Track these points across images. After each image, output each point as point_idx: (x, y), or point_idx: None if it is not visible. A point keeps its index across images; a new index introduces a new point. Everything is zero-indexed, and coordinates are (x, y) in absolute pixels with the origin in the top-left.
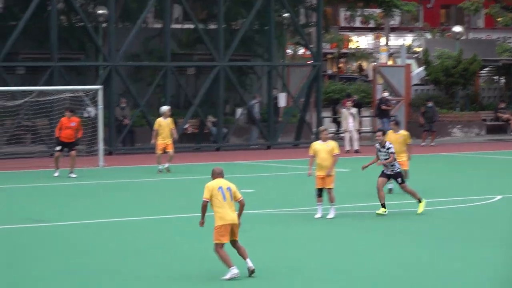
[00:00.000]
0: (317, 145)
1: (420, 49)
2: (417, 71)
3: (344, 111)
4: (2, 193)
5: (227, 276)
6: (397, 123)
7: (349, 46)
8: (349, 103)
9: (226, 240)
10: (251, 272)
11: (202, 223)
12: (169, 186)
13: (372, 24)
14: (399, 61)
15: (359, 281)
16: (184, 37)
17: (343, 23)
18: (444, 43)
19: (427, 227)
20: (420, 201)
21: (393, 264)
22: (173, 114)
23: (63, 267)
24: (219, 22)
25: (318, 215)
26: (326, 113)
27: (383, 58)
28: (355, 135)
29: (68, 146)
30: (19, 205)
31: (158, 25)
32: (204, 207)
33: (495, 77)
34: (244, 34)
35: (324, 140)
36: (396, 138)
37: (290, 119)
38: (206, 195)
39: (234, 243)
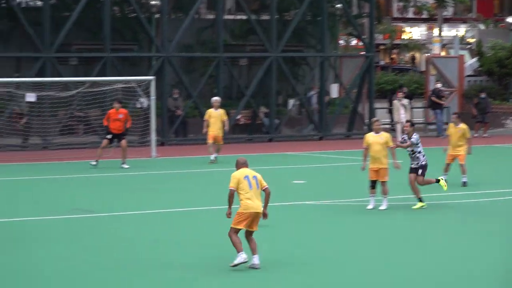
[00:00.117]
0: (371, 137)
1: (473, 40)
2: (470, 62)
3: (395, 102)
4: (54, 183)
5: (236, 262)
6: (459, 116)
7: (402, 37)
8: (400, 94)
9: (242, 227)
10: (255, 268)
11: (229, 214)
12: (220, 176)
13: (425, 15)
14: (452, 52)
15: (410, 271)
16: (237, 28)
17: (396, 14)
18: (498, 34)
19: (478, 219)
20: (420, 201)
21: (444, 255)
22: (225, 105)
23: (112, 258)
24: (272, 12)
25: (370, 206)
26: (379, 104)
27: (436, 49)
28: None
29: (117, 137)
30: (71, 195)
31: (211, 16)
32: (231, 196)
33: None
34: (297, 24)
35: (377, 131)
36: (455, 131)
37: (343, 110)
38: (232, 184)
39: (249, 234)
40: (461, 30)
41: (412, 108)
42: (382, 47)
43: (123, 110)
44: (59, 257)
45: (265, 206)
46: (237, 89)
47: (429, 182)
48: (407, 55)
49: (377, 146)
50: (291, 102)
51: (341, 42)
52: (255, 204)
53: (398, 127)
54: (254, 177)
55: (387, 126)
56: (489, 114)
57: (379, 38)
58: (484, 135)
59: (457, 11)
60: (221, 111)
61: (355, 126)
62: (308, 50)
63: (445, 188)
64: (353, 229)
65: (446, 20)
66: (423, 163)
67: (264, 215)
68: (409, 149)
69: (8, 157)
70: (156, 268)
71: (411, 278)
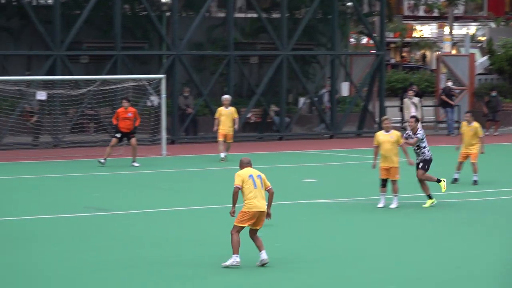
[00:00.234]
0: (381, 136)
1: (484, 38)
2: (481, 60)
3: (406, 100)
4: (65, 181)
5: (228, 263)
6: (472, 115)
7: (412, 35)
8: (411, 93)
9: (245, 225)
10: (263, 264)
11: (233, 213)
12: (230, 175)
13: (435, 13)
14: (463, 51)
15: (420, 269)
16: (247, 26)
17: (406, 12)
18: (509, 32)
19: (489, 218)
20: (429, 198)
21: (454, 253)
22: (236, 103)
23: (121, 256)
24: (282, 11)
25: (380, 205)
26: (390, 102)
27: (446, 47)
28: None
29: (127, 135)
30: (82, 193)
31: (222, 14)
32: (236, 194)
33: None
34: (307, 23)
35: (387, 130)
36: (468, 129)
37: (353, 108)
38: (237, 182)
39: (253, 232)
40: (472, 28)
41: (422, 106)
42: (392, 45)
43: (132, 109)
44: (70, 254)
45: (269, 206)
46: (247, 88)
47: (429, 179)
48: (418, 53)
49: (387, 145)
50: (302, 100)
51: (352, 40)
52: (259, 203)
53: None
54: (259, 176)
55: (398, 124)
56: (499, 112)
57: (389, 36)
58: (495, 133)
59: (468, 9)
60: (231, 109)
61: (365, 125)
62: (319, 49)
63: (443, 190)
64: (363, 227)
65: (457, 18)
66: (427, 157)
67: (268, 214)
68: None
69: (19, 155)
70: (164, 266)
71: (421, 276)
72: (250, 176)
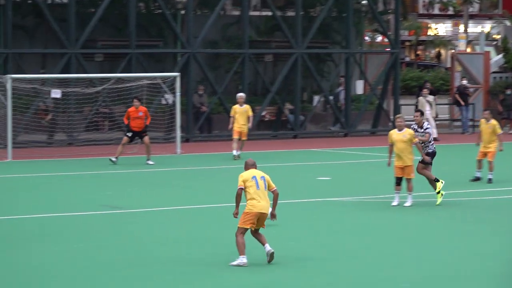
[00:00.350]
0: (394, 134)
1: (499, 36)
2: (496, 58)
3: (421, 99)
4: (80, 180)
5: (235, 263)
6: (490, 113)
7: (427, 33)
8: (425, 91)
9: (249, 226)
10: (271, 255)
11: (236, 214)
12: None
13: (450, 11)
14: (477, 49)
15: (433, 268)
16: (262, 24)
17: (421, 10)
18: None
19: (504, 216)
20: (437, 180)
21: (468, 252)
22: (250, 102)
23: (135, 254)
24: (297, 9)
25: (395, 203)
26: (405, 101)
27: (461, 45)
28: (432, 123)
29: (138, 134)
30: (97, 191)
31: (236, 12)
32: (239, 196)
33: None
34: (322, 21)
35: (400, 128)
36: (486, 127)
37: (368, 106)
38: (240, 184)
39: (255, 231)
40: (486, 27)
41: (437, 104)
42: (407, 43)
43: (143, 108)
44: (84, 253)
45: (273, 207)
46: (262, 86)
47: (428, 175)
48: (433, 52)
49: (401, 144)
50: (316, 98)
51: (367, 38)
52: (262, 204)
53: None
54: (262, 177)
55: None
56: None
57: (404, 34)
58: (510, 131)
59: (483, 7)
60: (246, 107)
61: (380, 123)
62: (334, 47)
63: (437, 190)
64: (378, 225)
65: (472, 16)
66: (430, 151)
67: (273, 215)
68: (421, 135)
69: (33, 153)
70: (177, 264)
71: (434, 274)
72: (253, 177)
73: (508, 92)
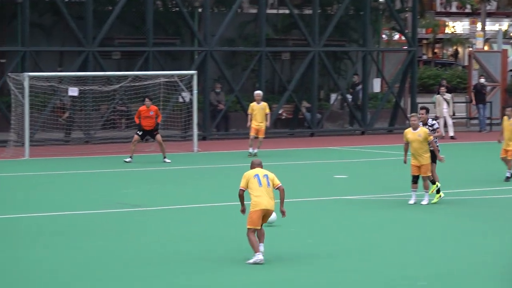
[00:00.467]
0: (409, 134)
1: None
2: None
3: (438, 97)
4: (97, 177)
5: (251, 261)
6: None
7: (444, 31)
8: (443, 89)
9: (258, 226)
10: (249, 263)
11: (243, 210)
12: None
13: (468, 9)
14: (495, 47)
15: (448, 266)
16: (279, 22)
17: (439, 8)
18: None
19: None
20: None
21: (483, 251)
22: (267, 100)
23: (154, 251)
24: (314, 7)
25: (411, 201)
26: (422, 99)
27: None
28: (450, 121)
29: (149, 133)
30: (115, 190)
31: (253, 10)
32: (240, 196)
33: None
34: (339, 19)
35: (414, 127)
36: (508, 124)
37: (385, 104)
38: (242, 184)
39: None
40: (504, 25)
41: (454, 102)
42: (425, 41)
43: (154, 107)
44: (103, 250)
45: (281, 204)
46: (279, 84)
47: (434, 176)
48: (450, 50)
49: (416, 144)
50: (333, 96)
51: (384, 36)
52: (265, 201)
53: (441, 122)
54: (265, 175)
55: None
56: None
57: (422, 32)
58: None
59: (501, 5)
60: (263, 104)
61: (397, 121)
62: (351, 45)
63: (432, 190)
64: (394, 223)
65: (489, 14)
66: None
67: (282, 212)
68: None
69: (50, 151)
70: (195, 261)
71: (451, 272)
72: (256, 175)
73: None
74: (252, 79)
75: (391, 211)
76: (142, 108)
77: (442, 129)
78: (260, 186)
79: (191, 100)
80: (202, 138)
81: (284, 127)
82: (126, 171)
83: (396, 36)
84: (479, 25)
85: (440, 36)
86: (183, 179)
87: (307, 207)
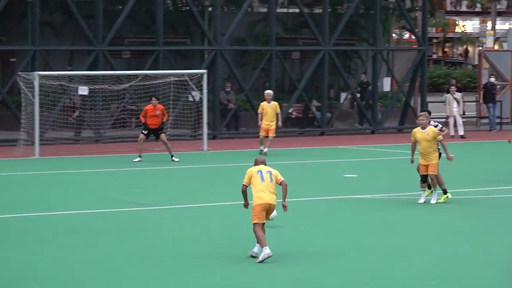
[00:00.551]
0: (418, 133)
1: None
2: None
3: (448, 96)
4: (107, 176)
5: (261, 258)
6: None
7: (455, 31)
8: (453, 88)
9: (263, 220)
10: (252, 255)
11: (246, 205)
12: None
13: (478, 8)
14: (505, 46)
15: (458, 266)
16: (289, 21)
17: (449, 7)
18: None
19: None
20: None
21: (493, 251)
22: (277, 99)
23: (163, 250)
24: (325, 6)
25: (421, 200)
26: (432, 98)
27: (489, 42)
28: (460, 120)
29: (154, 132)
30: (125, 188)
31: (264, 9)
32: (244, 192)
33: None
34: (349, 18)
35: (423, 126)
36: None
37: (395, 103)
38: (245, 180)
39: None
40: None
41: (464, 101)
42: (435, 40)
43: (160, 106)
44: (112, 249)
45: (283, 199)
46: (289, 83)
47: (440, 181)
48: (460, 49)
49: (424, 143)
50: (343, 95)
51: (394, 35)
52: (267, 196)
53: (451, 121)
54: (268, 171)
55: (443, 119)
56: None
57: (432, 31)
58: None
59: (511, 4)
60: (274, 104)
61: (407, 120)
62: (361, 44)
63: (442, 199)
64: (404, 222)
65: (500, 13)
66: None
67: (284, 207)
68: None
69: (60, 150)
70: (206, 260)
71: (461, 273)
72: (259, 171)
73: None
74: (262, 78)
75: (400, 210)
76: (149, 107)
77: (452, 128)
78: (263, 181)
79: (201, 99)
80: (212, 137)
81: (294, 126)
82: (136, 170)
83: (406, 35)
84: (489, 24)
85: (450, 35)
86: (193, 178)
87: (317, 206)
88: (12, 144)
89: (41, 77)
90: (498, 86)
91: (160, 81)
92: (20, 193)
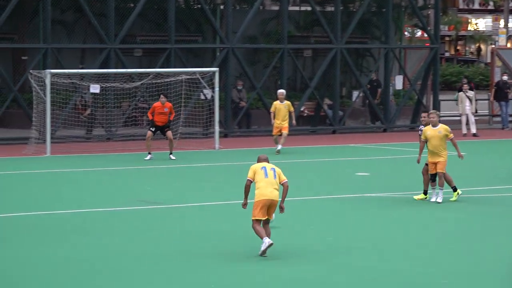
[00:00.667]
0: (429, 131)
1: None
2: None
3: (460, 94)
4: (118, 175)
5: (262, 249)
6: None
7: (467, 29)
8: (466, 86)
9: (262, 216)
10: (261, 254)
11: (245, 205)
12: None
13: (491, 6)
14: None
15: (469, 264)
16: (301, 19)
17: (461, 5)
18: None
19: None
20: (455, 190)
21: (505, 249)
22: (289, 97)
23: (174, 249)
24: (337, 4)
25: (433, 199)
26: (444, 96)
27: (501, 40)
28: (472, 119)
29: (161, 129)
30: (136, 187)
31: (275, 7)
32: (247, 187)
33: None
34: (362, 16)
35: (434, 124)
36: None
37: (407, 101)
38: (250, 175)
39: (264, 222)
40: None
41: (476, 100)
42: (447, 38)
43: (168, 104)
44: (123, 248)
45: (282, 200)
46: (301, 81)
47: (425, 181)
48: (473, 47)
49: (436, 140)
50: (355, 93)
51: (406, 33)
52: (270, 192)
53: (463, 119)
54: (272, 168)
55: (458, 117)
56: None
57: (444, 29)
58: None
59: None
60: (287, 103)
61: (419, 118)
62: (373, 42)
63: (454, 197)
64: (414, 221)
65: None
66: None
67: (281, 208)
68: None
69: (72, 148)
70: (215, 259)
71: (472, 271)
72: (263, 167)
73: None
74: (274, 76)
75: (412, 209)
76: (157, 104)
77: (464, 127)
78: (266, 177)
79: (212, 97)
80: (223, 135)
81: (306, 124)
82: (147, 168)
83: (419, 33)
84: (502, 22)
85: (462, 33)
86: (204, 176)
87: (328, 205)
88: (23, 142)
89: (53, 75)
90: (510, 84)
91: (172, 79)
92: (31, 191)
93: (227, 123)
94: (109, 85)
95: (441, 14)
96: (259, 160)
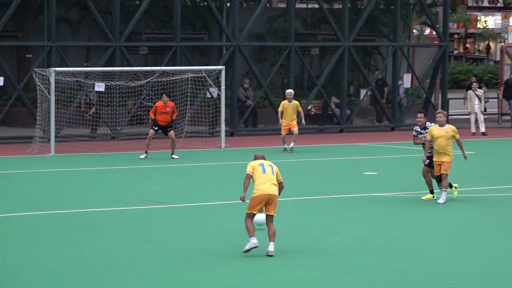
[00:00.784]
0: (435, 130)
1: None
2: None
3: (469, 92)
4: (123, 173)
5: (247, 247)
6: None
7: (476, 26)
8: (475, 85)
9: (256, 211)
10: (268, 255)
11: (243, 198)
12: (291, 167)
13: (500, 3)
14: None
15: (478, 265)
16: (309, 17)
17: (470, 3)
18: None
19: None
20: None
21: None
22: (296, 95)
23: (179, 248)
24: (344, 1)
25: (440, 200)
26: (453, 94)
27: (511, 38)
28: (481, 117)
29: (163, 128)
30: (140, 186)
31: (282, 5)
32: (247, 180)
33: None
34: (369, 14)
35: (441, 124)
36: None
37: (415, 100)
38: (248, 170)
39: (269, 219)
40: None
41: (486, 98)
42: (456, 36)
43: (171, 103)
44: (128, 247)
45: None
46: (308, 79)
47: (428, 182)
48: (482, 45)
49: (442, 140)
50: (363, 92)
51: (415, 31)
52: (267, 187)
53: (472, 118)
54: (270, 165)
55: (467, 116)
56: None
57: (453, 27)
58: None
59: None
60: (295, 103)
61: (428, 117)
62: (381, 40)
63: (454, 195)
64: (422, 221)
65: None
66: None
67: None
68: (425, 138)
69: (77, 147)
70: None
71: (481, 272)
72: (261, 164)
73: None
74: (281, 75)
75: (420, 209)
76: (159, 103)
77: (473, 125)
78: (264, 173)
79: (219, 95)
80: (230, 134)
81: (313, 123)
82: (152, 168)
83: (427, 31)
84: (511, 20)
85: (471, 30)
86: (210, 175)
87: (336, 204)
88: (27, 141)
89: (57, 73)
90: None
91: (178, 77)
92: (35, 190)
93: (233, 121)
94: (114, 84)
95: (450, 11)
96: (255, 158)
